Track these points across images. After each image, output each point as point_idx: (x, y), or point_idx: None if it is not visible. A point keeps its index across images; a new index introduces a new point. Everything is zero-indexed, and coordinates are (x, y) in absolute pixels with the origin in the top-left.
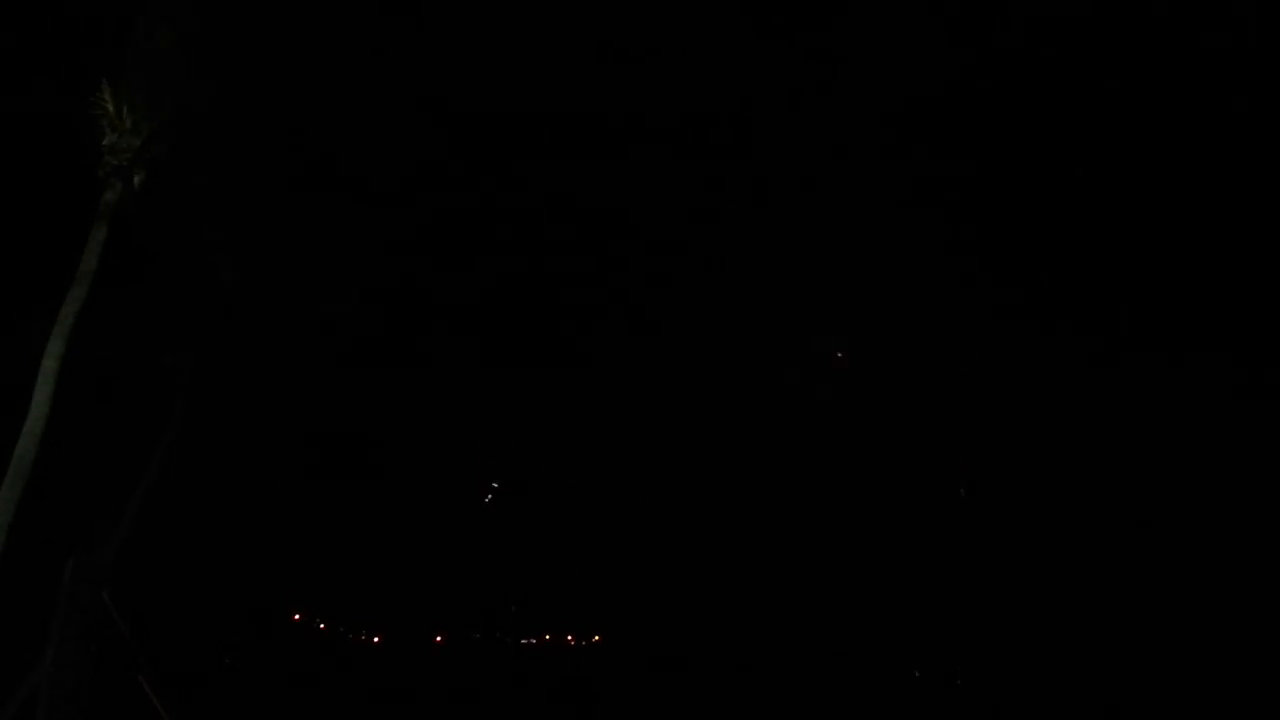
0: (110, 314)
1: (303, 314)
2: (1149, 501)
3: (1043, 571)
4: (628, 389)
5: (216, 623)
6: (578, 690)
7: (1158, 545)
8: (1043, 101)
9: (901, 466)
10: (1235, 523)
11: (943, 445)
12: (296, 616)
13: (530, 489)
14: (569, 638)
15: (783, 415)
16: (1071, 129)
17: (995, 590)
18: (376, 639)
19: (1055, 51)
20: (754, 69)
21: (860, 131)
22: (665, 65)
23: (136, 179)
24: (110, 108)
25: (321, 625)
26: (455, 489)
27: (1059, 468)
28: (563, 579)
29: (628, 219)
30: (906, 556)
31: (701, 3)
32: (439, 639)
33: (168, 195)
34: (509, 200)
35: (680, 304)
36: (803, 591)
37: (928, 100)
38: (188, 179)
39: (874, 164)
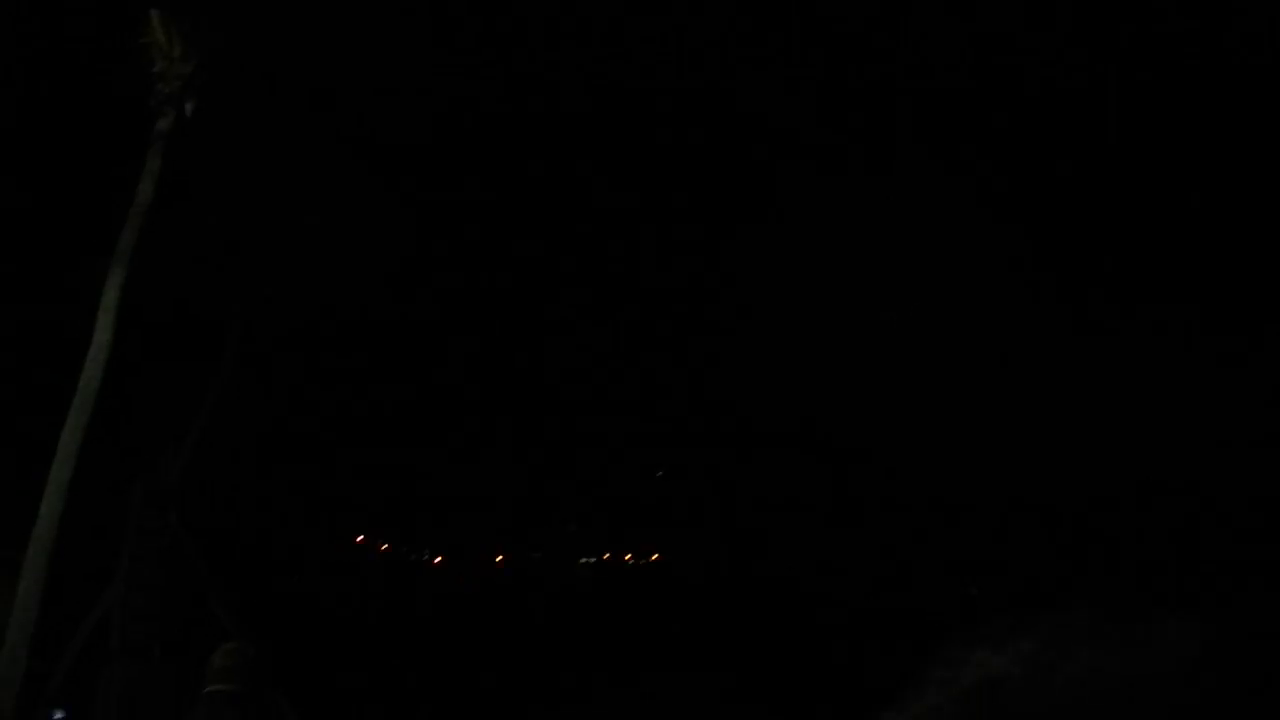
0: (168, 245)
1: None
2: None
3: None
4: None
5: (281, 544)
6: (636, 609)
7: None
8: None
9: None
10: None
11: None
12: (360, 538)
13: (595, 409)
14: (627, 557)
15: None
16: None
17: None
18: (438, 559)
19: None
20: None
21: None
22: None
23: (188, 106)
24: (160, 36)
25: (384, 546)
26: (517, 410)
27: None
28: (622, 499)
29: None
30: None
31: None
32: (500, 559)
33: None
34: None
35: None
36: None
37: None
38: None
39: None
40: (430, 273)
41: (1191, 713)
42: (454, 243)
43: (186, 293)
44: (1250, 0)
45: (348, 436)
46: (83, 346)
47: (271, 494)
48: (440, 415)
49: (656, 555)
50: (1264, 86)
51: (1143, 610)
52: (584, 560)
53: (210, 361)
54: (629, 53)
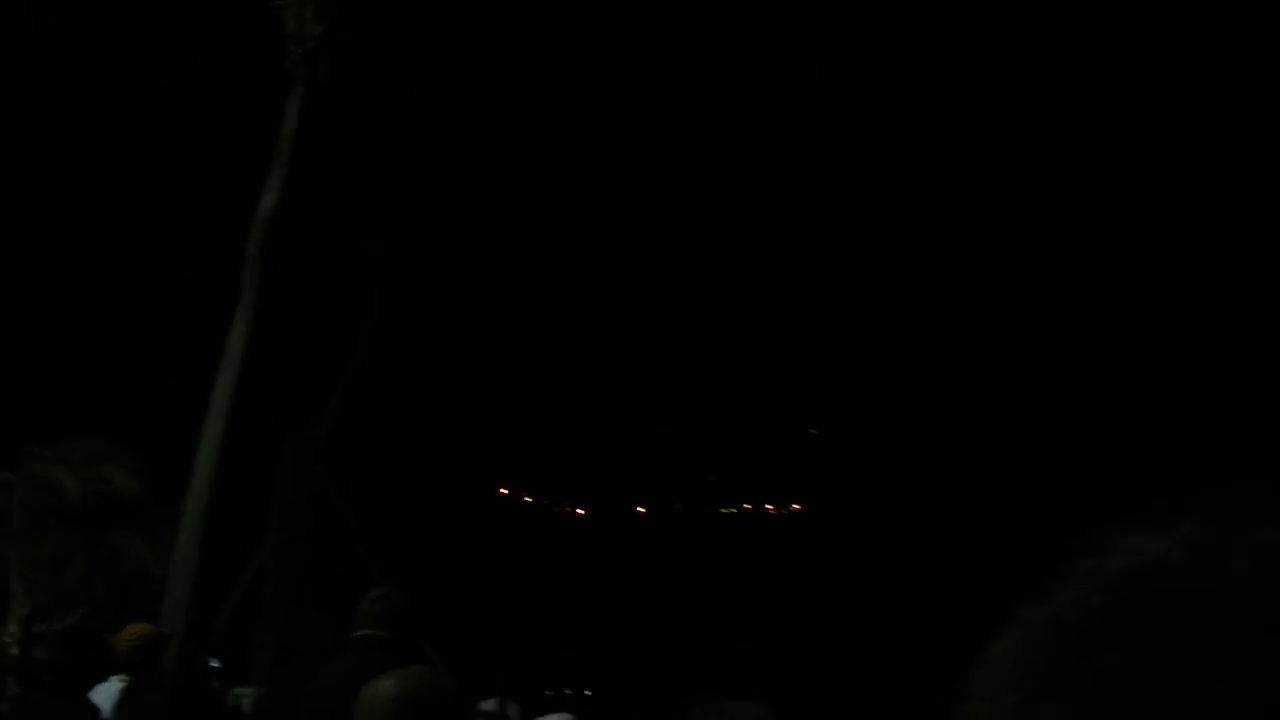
0: (309, 204)
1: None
2: None
3: None
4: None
5: (428, 498)
6: (776, 557)
7: None
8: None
9: None
10: None
11: None
12: (503, 490)
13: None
14: (768, 507)
15: None
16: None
17: None
18: (581, 511)
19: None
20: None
21: None
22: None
23: (322, 67)
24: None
25: (528, 499)
26: (653, 364)
27: None
28: (759, 450)
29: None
30: None
31: None
32: (641, 510)
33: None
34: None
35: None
36: None
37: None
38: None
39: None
40: (559, 235)
41: None
42: (580, 206)
43: (329, 250)
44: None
45: (490, 391)
46: (231, 302)
47: (416, 448)
48: (575, 370)
49: (798, 506)
50: None
51: None
52: (725, 510)
53: (357, 318)
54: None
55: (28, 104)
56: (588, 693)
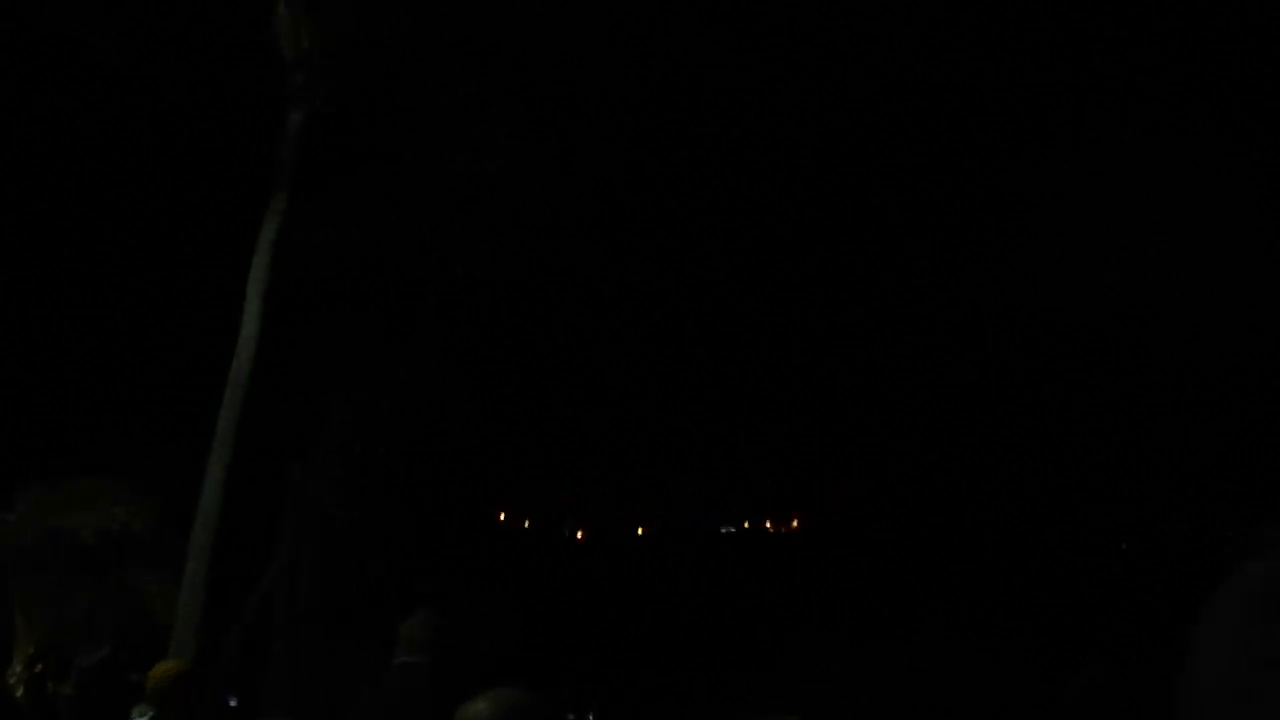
0: (311, 227)
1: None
2: None
3: None
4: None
5: (433, 521)
6: (777, 575)
7: None
8: None
9: None
10: None
11: None
12: (501, 516)
13: (725, 388)
14: (767, 524)
15: None
16: None
17: None
18: (580, 534)
19: None
20: None
21: None
22: None
23: (320, 89)
24: (288, 27)
25: (526, 523)
26: (647, 387)
27: None
28: (758, 468)
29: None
30: None
31: None
32: (640, 531)
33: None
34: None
35: None
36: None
37: None
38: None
39: None
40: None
41: None
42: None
43: (334, 276)
44: None
45: (493, 416)
46: (234, 333)
47: (420, 473)
48: (579, 392)
49: (797, 523)
50: None
51: None
52: (724, 530)
53: (359, 344)
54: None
55: (24, 136)
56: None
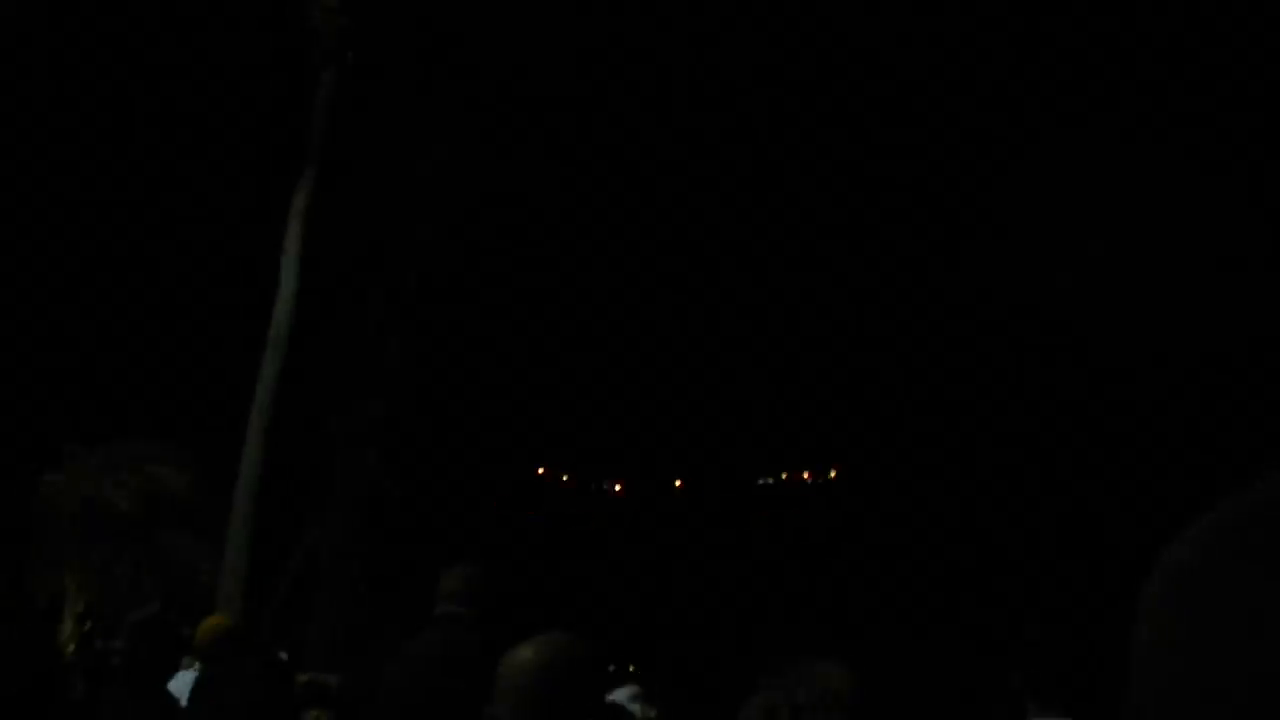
0: (345, 201)
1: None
2: None
3: None
4: None
5: (473, 479)
6: (815, 528)
7: None
8: None
9: None
10: None
11: None
12: (540, 470)
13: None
14: (805, 475)
15: None
16: None
17: None
18: (619, 487)
19: None
20: None
21: None
22: None
23: (350, 57)
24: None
25: (565, 478)
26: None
27: None
28: (795, 419)
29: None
30: None
31: None
32: (678, 483)
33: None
34: None
35: None
36: None
37: None
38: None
39: None
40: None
41: None
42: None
43: (367, 244)
44: None
45: (525, 371)
46: (271, 298)
47: (458, 432)
48: (615, 343)
49: (835, 473)
50: None
51: None
52: (762, 481)
53: (397, 307)
54: None
55: (57, 106)
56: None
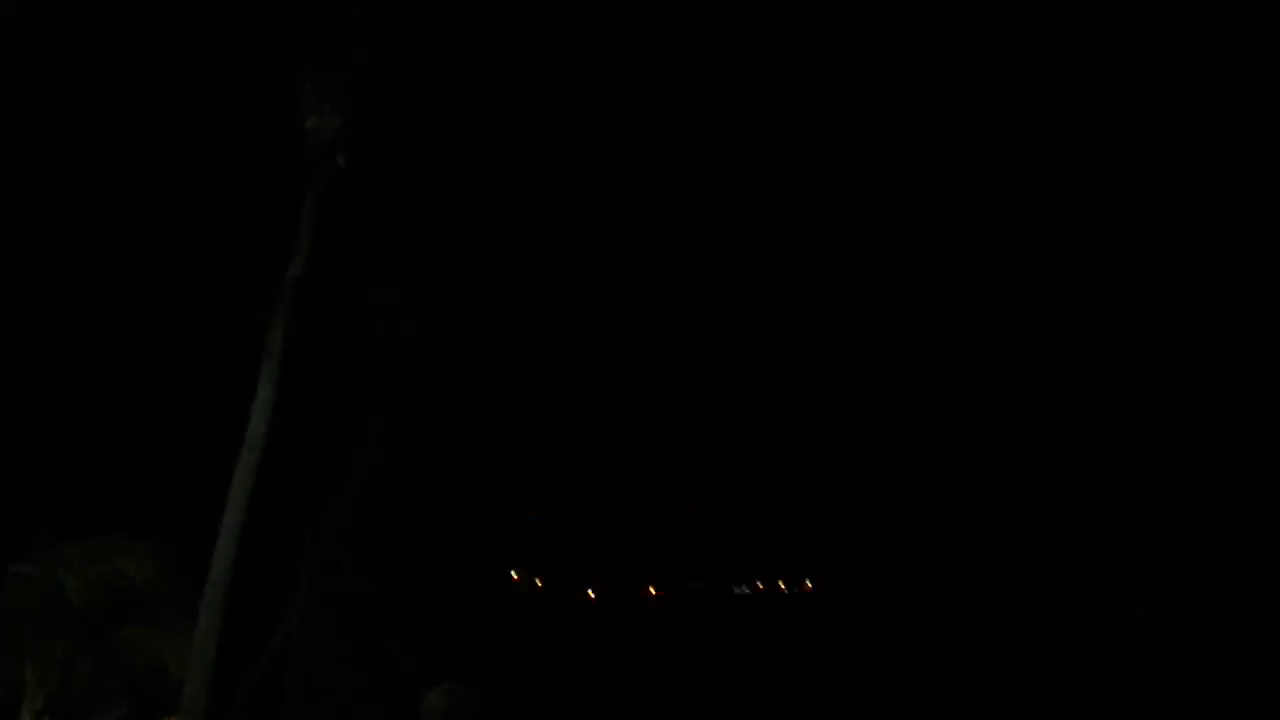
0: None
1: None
2: None
3: None
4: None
5: (446, 581)
6: (789, 638)
7: None
8: None
9: None
10: None
11: None
12: (514, 575)
13: (735, 442)
14: (780, 585)
15: None
16: None
17: None
18: (591, 593)
19: None
20: None
21: None
22: None
23: (340, 159)
24: (309, 91)
25: (538, 582)
26: (657, 451)
27: None
28: (770, 527)
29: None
30: None
31: None
32: (652, 591)
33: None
34: None
35: None
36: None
37: None
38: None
39: None
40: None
41: None
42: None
43: (345, 338)
44: None
45: (501, 473)
46: (246, 396)
47: (431, 531)
48: (588, 449)
49: (809, 585)
50: None
51: None
52: (737, 591)
53: (371, 408)
54: None
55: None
56: None
